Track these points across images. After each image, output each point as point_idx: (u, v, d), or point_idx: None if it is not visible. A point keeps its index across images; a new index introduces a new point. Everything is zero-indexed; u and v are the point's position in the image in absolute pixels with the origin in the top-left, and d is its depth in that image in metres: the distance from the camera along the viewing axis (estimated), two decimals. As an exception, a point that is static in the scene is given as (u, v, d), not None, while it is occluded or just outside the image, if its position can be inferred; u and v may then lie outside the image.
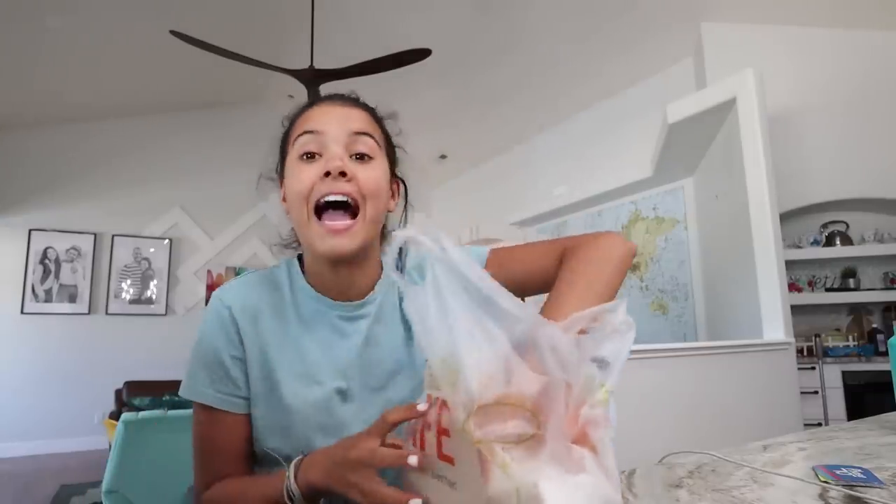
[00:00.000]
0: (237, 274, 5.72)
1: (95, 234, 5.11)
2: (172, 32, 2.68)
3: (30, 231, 4.87)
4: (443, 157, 5.80)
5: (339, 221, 0.65)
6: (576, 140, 4.68)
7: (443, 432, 0.46)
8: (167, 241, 5.41)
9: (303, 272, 0.74)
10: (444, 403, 0.46)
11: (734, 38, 3.35)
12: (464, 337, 0.44)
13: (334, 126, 0.67)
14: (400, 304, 0.76)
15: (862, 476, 0.60)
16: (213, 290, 5.89)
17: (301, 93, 3.29)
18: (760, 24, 3.32)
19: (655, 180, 3.63)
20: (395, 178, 0.77)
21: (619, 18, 3.49)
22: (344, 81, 2.99)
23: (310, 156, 0.67)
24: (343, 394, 0.69)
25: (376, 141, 0.70)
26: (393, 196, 0.77)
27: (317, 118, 0.69)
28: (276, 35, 4.10)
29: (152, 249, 5.34)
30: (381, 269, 0.77)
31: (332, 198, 0.65)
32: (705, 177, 3.26)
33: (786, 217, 3.05)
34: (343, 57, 3.11)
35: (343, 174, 0.65)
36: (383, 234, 0.77)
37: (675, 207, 3.62)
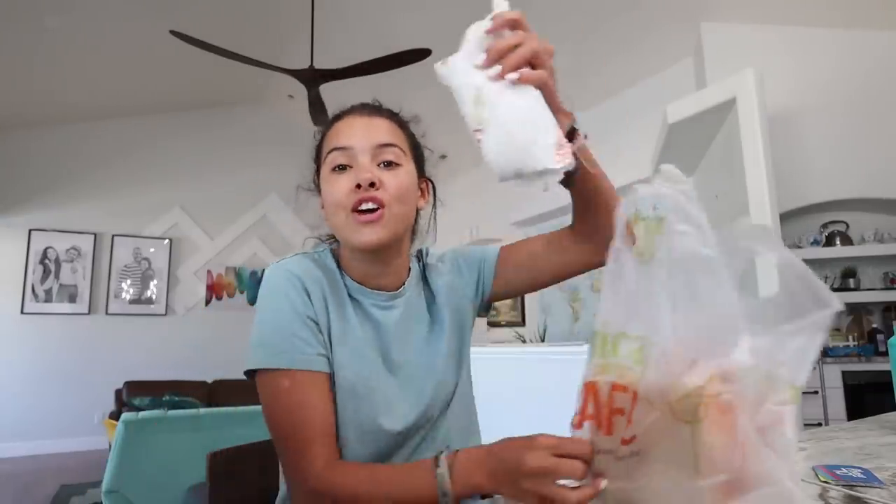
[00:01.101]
0: (237, 274, 5.74)
1: (95, 234, 5.11)
2: (172, 32, 2.68)
3: (30, 231, 4.87)
4: (443, 157, 5.80)
5: (369, 215, 0.69)
6: (576, 140, 4.68)
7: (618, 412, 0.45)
8: (167, 241, 5.41)
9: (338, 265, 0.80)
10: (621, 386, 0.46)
11: (734, 38, 3.35)
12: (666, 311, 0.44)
13: (360, 139, 0.71)
14: (427, 304, 0.82)
15: (862, 476, 0.60)
16: (213, 289, 5.87)
17: (301, 93, 3.28)
18: (760, 24, 3.32)
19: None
20: (423, 177, 0.81)
21: (618, 18, 3.49)
22: (344, 81, 2.99)
23: (341, 167, 0.71)
24: (384, 374, 0.74)
25: (401, 148, 0.74)
26: (423, 195, 0.82)
27: (344, 133, 0.72)
28: (276, 35, 4.10)
29: (152, 249, 5.35)
30: (409, 269, 0.82)
31: (364, 206, 0.69)
32: (705, 177, 3.26)
33: (786, 217, 3.05)
34: (343, 57, 3.11)
35: (372, 184, 0.69)
36: (413, 234, 0.82)
37: (675, 207, 3.62)
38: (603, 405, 0.47)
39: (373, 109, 0.76)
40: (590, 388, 0.48)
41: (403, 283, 0.79)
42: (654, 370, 0.44)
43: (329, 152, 0.72)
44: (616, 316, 0.48)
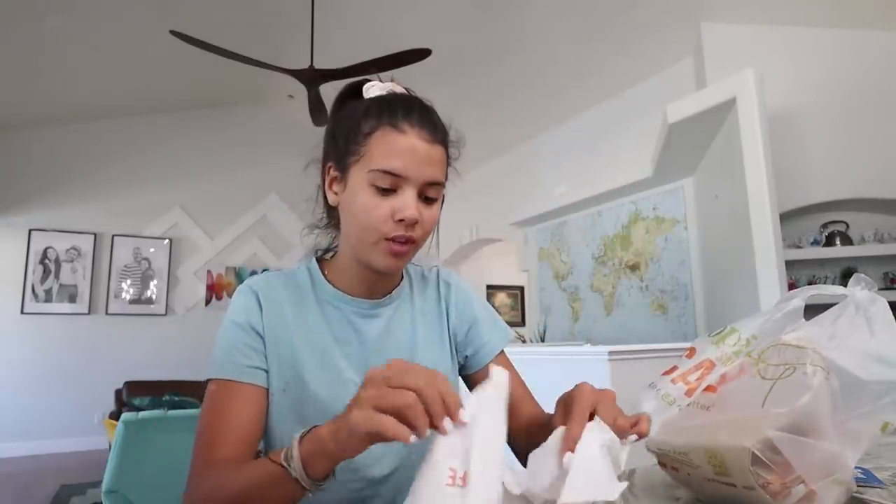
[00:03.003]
0: (237, 274, 5.74)
1: (95, 234, 5.11)
2: (172, 32, 2.68)
3: (30, 231, 4.87)
4: (443, 157, 5.80)
5: (402, 246, 0.69)
6: (576, 140, 4.68)
7: None
8: (167, 241, 5.42)
9: (322, 271, 0.79)
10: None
11: (734, 38, 3.35)
12: None
13: (415, 171, 0.67)
14: (412, 312, 0.81)
15: (862, 476, 0.60)
16: (213, 289, 5.88)
17: (301, 93, 3.29)
18: (760, 24, 3.32)
19: (655, 180, 3.62)
20: None
21: (618, 18, 3.49)
22: (344, 81, 2.99)
23: (384, 190, 0.68)
24: (355, 383, 0.73)
25: (443, 184, 0.72)
26: None
27: (401, 157, 0.67)
28: (276, 35, 4.10)
29: (152, 249, 5.35)
30: (402, 276, 0.84)
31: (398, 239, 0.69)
32: (705, 177, 3.26)
33: (786, 217, 3.05)
34: (343, 57, 3.11)
35: (415, 222, 0.69)
36: None
37: (675, 207, 3.62)
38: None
39: (433, 132, 0.70)
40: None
41: (390, 293, 0.80)
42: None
43: (376, 169, 0.67)
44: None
